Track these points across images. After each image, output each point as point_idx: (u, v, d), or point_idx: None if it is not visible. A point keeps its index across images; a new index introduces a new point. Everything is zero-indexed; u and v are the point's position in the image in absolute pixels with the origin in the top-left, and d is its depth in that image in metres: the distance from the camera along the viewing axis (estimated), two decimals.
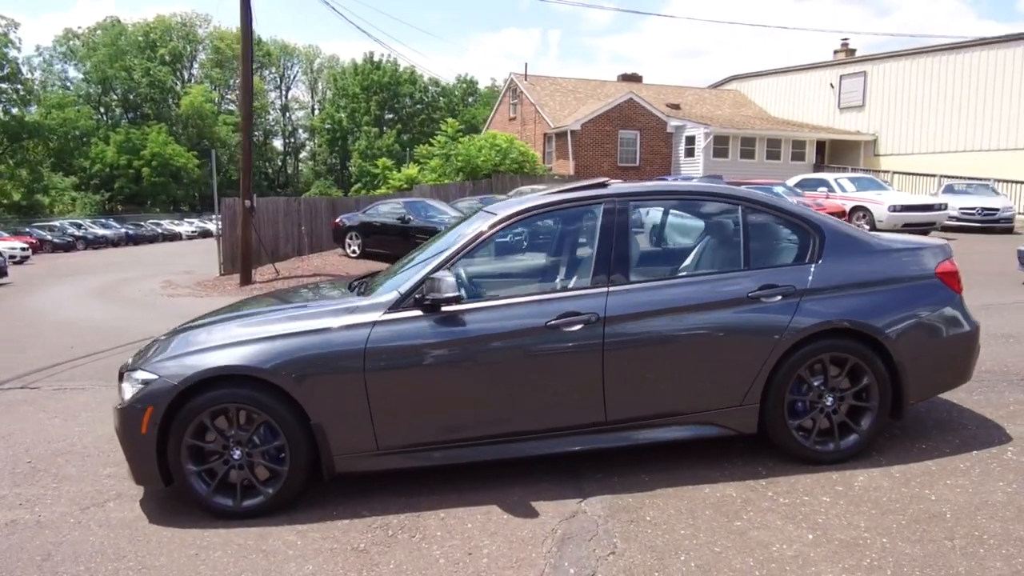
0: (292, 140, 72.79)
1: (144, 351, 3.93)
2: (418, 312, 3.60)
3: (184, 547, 3.32)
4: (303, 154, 74.00)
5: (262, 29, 79.17)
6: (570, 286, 3.84)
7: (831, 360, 3.85)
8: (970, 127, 24.94)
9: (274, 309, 4.01)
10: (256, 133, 67.07)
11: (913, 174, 24.48)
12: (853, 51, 31.44)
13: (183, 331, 3.92)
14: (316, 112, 73.43)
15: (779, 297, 3.79)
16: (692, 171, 27.35)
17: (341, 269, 15.07)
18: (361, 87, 63.82)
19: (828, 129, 29.89)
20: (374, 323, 3.57)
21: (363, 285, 4.40)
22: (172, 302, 12.58)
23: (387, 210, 16.20)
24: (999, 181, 20.74)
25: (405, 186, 24.35)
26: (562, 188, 4.12)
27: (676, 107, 31.87)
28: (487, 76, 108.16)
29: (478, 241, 3.77)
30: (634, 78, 35.78)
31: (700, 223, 4.17)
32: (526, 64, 40.00)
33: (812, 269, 3.88)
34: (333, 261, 16.35)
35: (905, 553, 3.01)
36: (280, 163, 70.59)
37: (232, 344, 3.56)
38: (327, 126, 66.66)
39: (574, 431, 3.71)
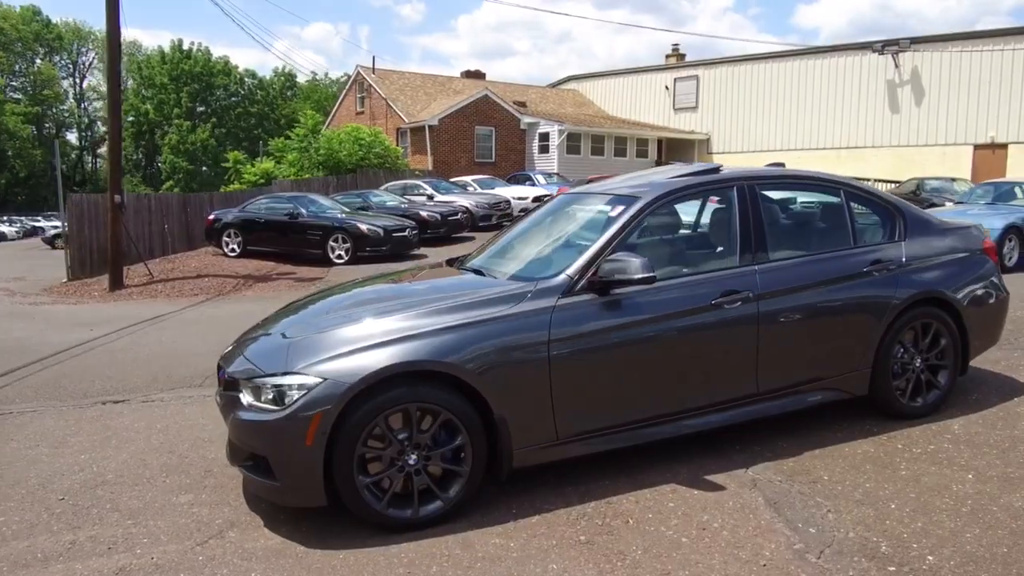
0: (89, 134, 64.95)
1: (258, 355, 3.46)
2: (592, 295, 3.51)
3: (385, 568, 2.99)
4: (102, 149, 66.50)
5: (51, 8, 70.06)
6: (721, 266, 3.92)
7: (920, 326, 4.28)
8: (786, 129, 28.05)
9: (418, 298, 3.70)
10: (47, 125, 59.36)
11: None
12: (683, 56, 34.11)
13: (316, 331, 3.49)
14: None
15: (886, 271, 4.16)
16: (547, 167, 28.26)
17: (227, 269, 13.90)
18: (170, 77, 58.55)
19: (665, 128, 32.18)
20: (553, 308, 3.43)
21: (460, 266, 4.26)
22: (43, 310, 10.92)
23: (271, 205, 15.18)
24: None
25: (261, 181, 22.82)
26: (680, 173, 4.17)
27: (523, 104, 32.65)
28: (300, 70, 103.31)
29: (635, 222, 3.74)
30: (478, 75, 36.22)
31: (813, 205, 4.45)
32: (373, 57, 39.46)
33: (903, 246, 4.29)
34: (211, 261, 15.01)
35: None
36: (76, 159, 62.91)
37: (403, 338, 3.25)
38: (131, 118, 60.47)
39: (733, 404, 3.82)
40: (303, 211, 14.61)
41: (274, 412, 3.16)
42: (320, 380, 3.12)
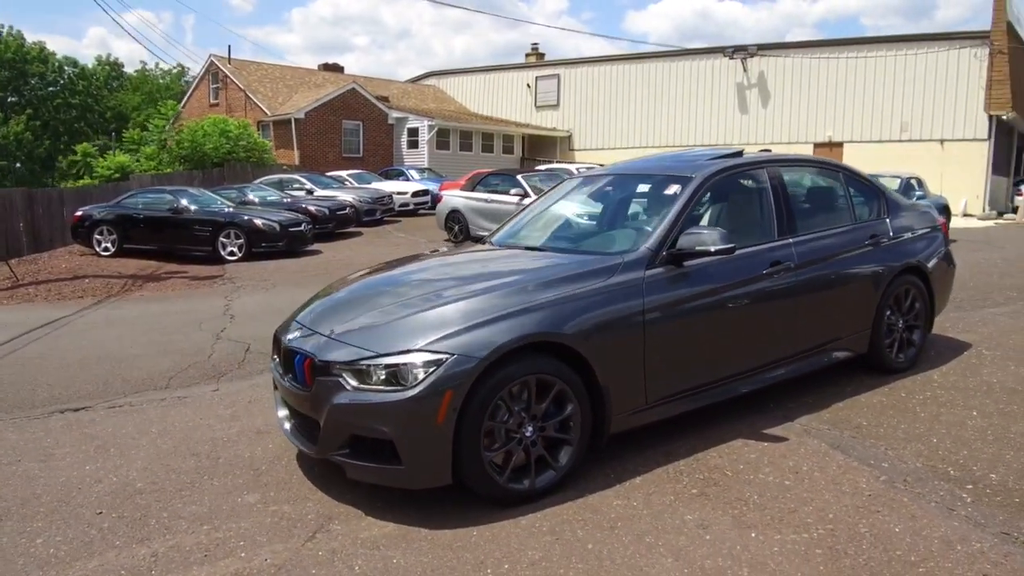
0: None
1: (357, 336, 3.34)
2: (669, 266, 3.73)
3: (529, 538, 3.03)
4: None
5: None
6: (763, 239, 4.24)
7: (903, 291, 4.90)
8: (645, 127, 29.74)
9: (504, 275, 3.71)
10: None
11: None
12: (543, 55, 35.13)
13: (416, 309, 3.43)
14: None
15: (881, 244, 4.74)
16: (416, 162, 28.08)
17: (106, 269, 12.61)
18: None
19: (527, 125, 32.98)
20: (643, 279, 3.61)
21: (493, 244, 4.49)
22: None
23: (151, 199, 14.02)
24: None
25: (116, 176, 20.81)
26: (715, 155, 4.46)
27: (385, 99, 32.15)
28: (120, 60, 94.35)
29: (695, 199, 3.99)
30: (336, 68, 35.24)
31: (821, 186, 4.94)
32: (229, 47, 37.00)
33: (888, 223, 4.88)
34: (82, 261, 13.55)
35: None
36: None
37: (516, 313, 3.27)
38: None
39: (780, 363, 4.21)
40: (189, 205, 13.62)
41: (397, 392, 3.09)
42: (448, 356, 3.09)
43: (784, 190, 4.37)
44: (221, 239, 13.45)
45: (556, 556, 2.87)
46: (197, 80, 31.01)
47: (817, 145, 24.47)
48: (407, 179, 24.69)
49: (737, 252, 4.05)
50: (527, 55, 35.54)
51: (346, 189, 20.63)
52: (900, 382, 4.76)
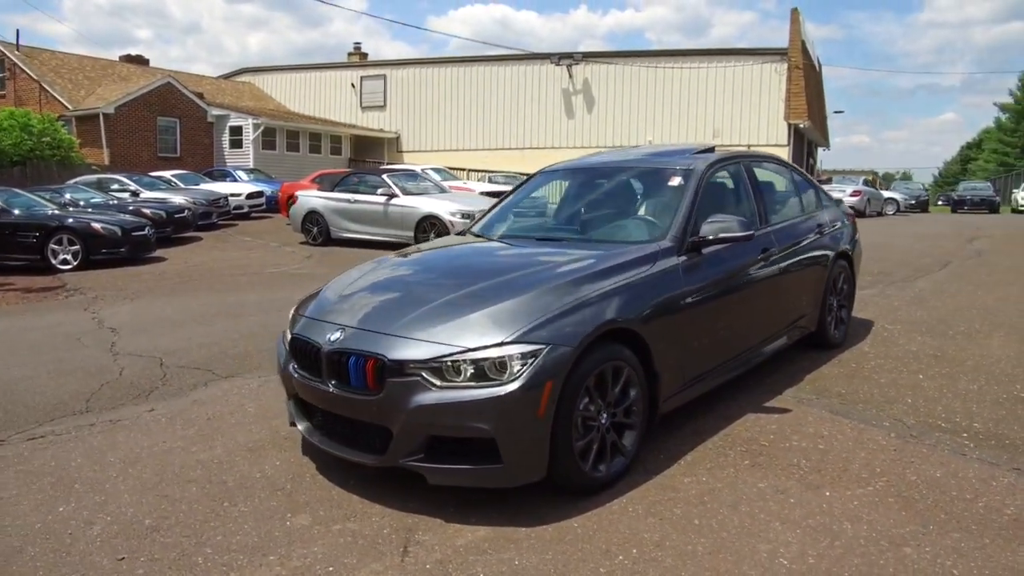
0: None
1: (429, 331, 3.18)
2: (693, 253, 3.95)
3: (633, 522, 3.09)
4: None
5: None
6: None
7: (838, 274, 5.54)
8: (475, 130, 30.22)
9: (544, 267, 3.70)
10: None
11: (453, 168, 28.47)
12: (366, 55, 34.43)
13: (486, 300, 3.33)
14: None
15: (824, 233, 5.33)
16: (240, 162, 26.43)
17: None
18: None
19: (353, 126, 32.19)
20: (679, 266, 3.80)
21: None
22: None
23: None
24: (515, 173, 26.08)
25: None
26: (700, 150, 4.75)
27: (200, 96, 29.93)
28: None
29: (700, 189, 4.22)
30: (140, 60, 32.17)
31: (779, 180, 5.39)
32: (17, 31, 31.81)
33: (825, 213, 5.50)
34: None
35: (967, 364, 5.02)
36: None
37: (587, 303, 3.31)
38: None
39: (770, 339, 4.61)
40: (10, 208, 11.79)
41: (494, 387, 2.99)
42: (544, 346, 3.06)
43: (757, 182, 4.79)
44: (52, 246, 11.81)
45: (674, 535, 2.96)
46: None
47: None
48: (234, 180, 23.18)
49: None
50: (350, 54, 34.71)
51: (175, 190, 18.95)
52: (841, 355, 5.39)
